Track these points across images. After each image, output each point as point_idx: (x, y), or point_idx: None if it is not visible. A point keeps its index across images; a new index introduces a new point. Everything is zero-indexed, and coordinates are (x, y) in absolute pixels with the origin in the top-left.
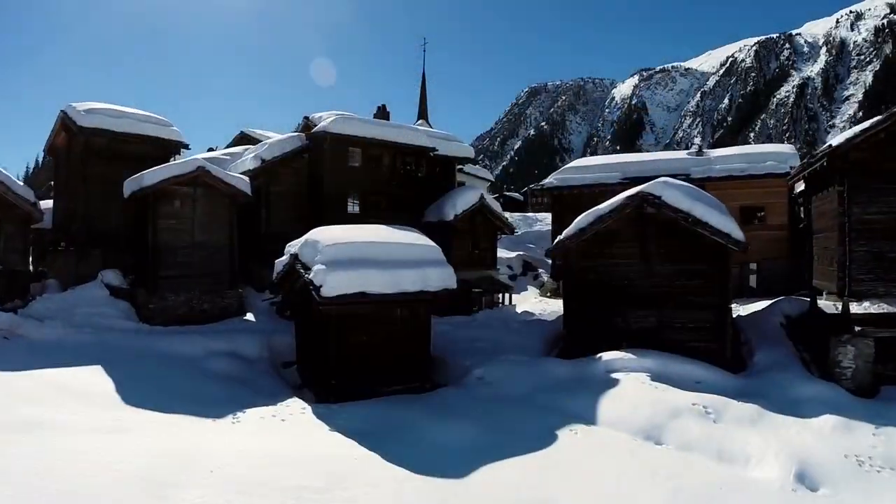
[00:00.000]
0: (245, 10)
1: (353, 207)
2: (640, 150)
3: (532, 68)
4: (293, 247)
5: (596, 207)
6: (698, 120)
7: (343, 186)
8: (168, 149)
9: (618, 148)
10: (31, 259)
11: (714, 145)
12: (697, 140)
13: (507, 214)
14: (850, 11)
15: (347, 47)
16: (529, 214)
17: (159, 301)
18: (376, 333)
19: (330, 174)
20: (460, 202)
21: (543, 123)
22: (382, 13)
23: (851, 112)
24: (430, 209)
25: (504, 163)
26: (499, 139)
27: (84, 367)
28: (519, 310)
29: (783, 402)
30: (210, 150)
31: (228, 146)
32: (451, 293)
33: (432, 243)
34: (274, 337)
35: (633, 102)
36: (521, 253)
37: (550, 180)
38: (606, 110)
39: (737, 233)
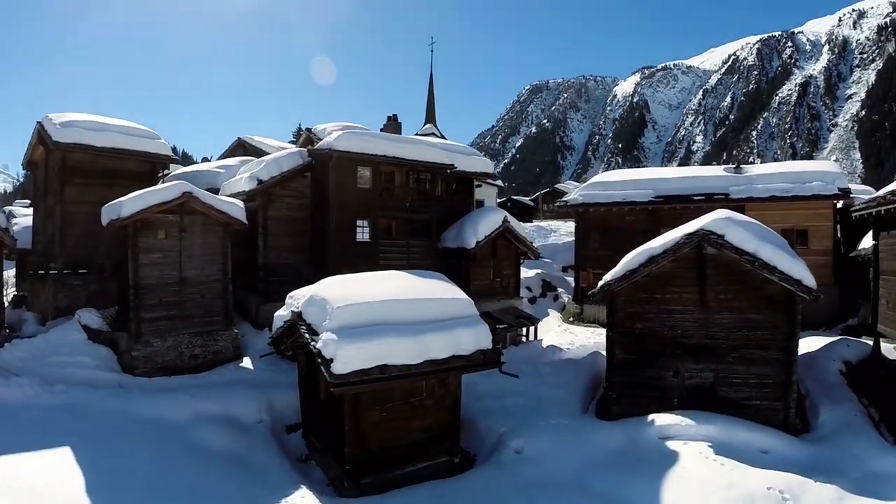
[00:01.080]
0: (244, 12)
1: (362, 234)
2: (641, 148)
3: (534, 66)
4: (295, 301)
5: (649, 246)
6: (700, 118)
7: (351, 210)
8: (155, 164)
9: (619, 146)
10: (6, 286)
11: (716, 143)
12: (699, 139)
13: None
14: (853, 10)
15: (348, 47)
16: (543, 224)
17: (143, 347)
18: (399, 409)
19: (336, 197)
20: (482, 226)
21: (545, 121)
22: (383, 10)
23: (854, 111)
24: (448, 233)
25: (505, 160)
26: (500, 136)
27: (49, 449)
28: (544, 342)
29: (862, 479)
30: (205, 160)
31: (224, 154)
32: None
33: (462, 294)
34: (275, 393)
35: (635, 100)
36: (539, 271)
37: (575, 196)
38: (608, 108)
39: (808, 279)
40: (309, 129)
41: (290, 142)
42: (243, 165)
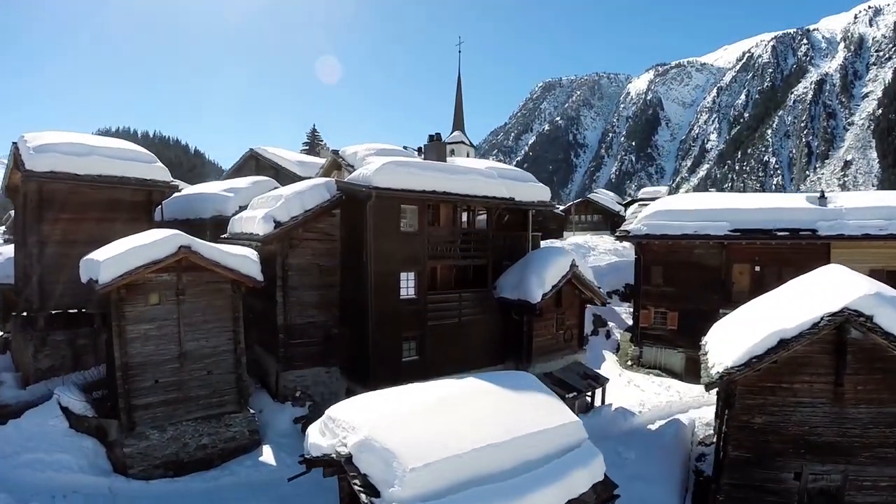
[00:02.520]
0: (254, 11)
1: (407, 289)
2: (654, 146)
3: (547, 63)
4: (341, 432)
5: (780, 328)
6: (714, 116)
7: (394, 261)
8: (152, 192)
9: (633, 144)
10: None
11: (731, 142)
12: (714, 137)
13: (549, 241)
14: (869, 7)
15: (360, 46)
16: (579, 240)
17: (137, 441)
18: None
19: (376, 245)
20: (549, 274)
21: (558, 118)
22: (394, 7)
23: (870, 109)
24: (505, 279)
25: (518, 158)
26: (513, 134)
27: None
28: (612, 403)
29: None
30: (216, 176)
31: (235, 168)
32: None
33: (569, 414)
34: None
35: (649, 98)
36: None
37: (638, 226)
38: (621, 105)
39: None
40: (335, 152)
41: (303, 145)
42: (255, 186)
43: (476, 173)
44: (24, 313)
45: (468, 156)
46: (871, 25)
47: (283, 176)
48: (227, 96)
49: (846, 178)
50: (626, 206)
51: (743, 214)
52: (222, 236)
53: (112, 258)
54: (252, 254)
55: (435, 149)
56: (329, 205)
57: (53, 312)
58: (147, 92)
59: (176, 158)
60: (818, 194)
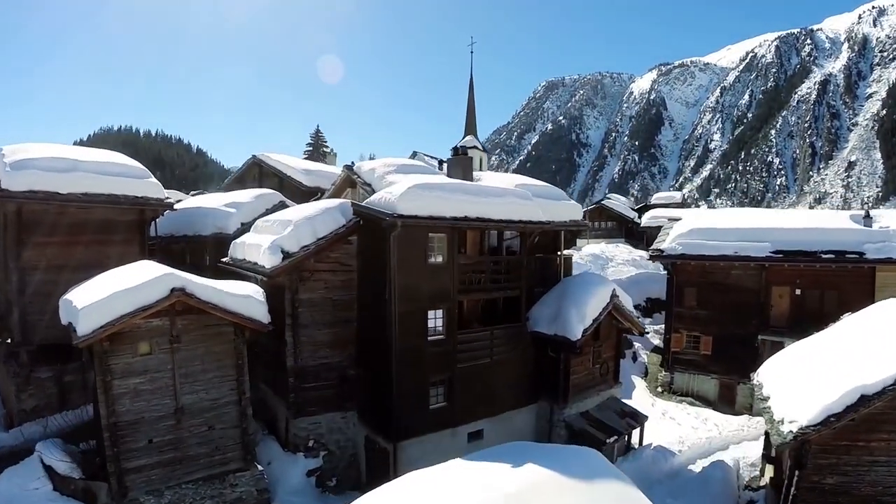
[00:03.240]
0: (257, 12)
1: (434, 329)
2: (658, 146)
3: (549, 62)
4: None
5: (860, 383)
6: (718, 116)
7: (420, 298)
8: (144, 210)
9: (636, 143)
10: None
11: (734, 142)
12: (717, 137)
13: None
14: (873, 7)
15: (365, 46)
16: (596, 251)
17: None
18: None
19: (401, 280)
20: (589, 307)
21: (561, 118)
22: (397, 5)
23: (875, 110)
24: (538, 311)
25: (521, 157)
26: (515, 133)
27: None
28: (651, 444)
29: None
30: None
31: (238, 176)
32: None
33: None
34: None
35: (652, 97)
36: None
37: (673, 245)
38: (624, 105)
39: None
40: (349, 167)
41: (306, 146)
42: (258, 200)
43: (511, 195)
44: (8, 340)
45: (481, 162)
46: (874, 26)
47: (287, 186)
48: (229, 95)
49: (850, 179)
50: (640, 211)
51: (785, 235)
52: (223, 260)
53: (92, 305)
54: (257, 292)
55: (460, 164)
56: (344, 231)
57: (38, 346)
58: (149, 90)
59: (178, 157)
60: (863, 213)
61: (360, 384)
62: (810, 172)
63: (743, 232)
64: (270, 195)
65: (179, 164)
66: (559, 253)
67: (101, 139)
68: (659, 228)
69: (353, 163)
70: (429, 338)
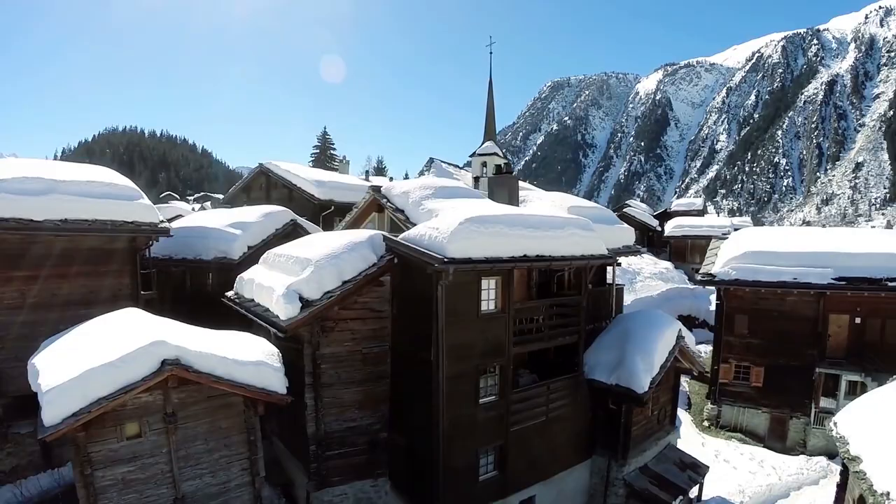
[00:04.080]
0: (264, 13)
1: (486, 389)
2: (664, 146)
3: (555, 62)
4: None
5: None
6: (724, 116)
7: (472, 355)
8: (134, 239)
9: (642, 144)
10: None
11: (741, 143)
12: (723, 137)
13: None
14: (880, 7)
15: (370, 45)
16: (623, 263)
17: None
18: None
19: (449, 336)
20: (656, 353)
21: (566, 118)
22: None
23: (882, 111)
24: (596, 356)
25: (526, 157)
26: (521, 133)
27: None
28: (711, 499)
29: None
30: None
31: (244, 186)
32: None
33: None
34: None
35: (658, 98)
36: None
37: (725, 270)
38: (630, 105)
39: None
40: (377, 189)
41: (313, 149)
42: (267, 220)
43: (573, 226)
44: None
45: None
46: (881, 26)
47: (297, 198)
48: (235, 96)
49: (857, 181)
50: (659, 218)
51: (848, 260)
52: (228, 295)
53: (60, 388)
54: (271, 355)
55: (506, 185)
56: (376, 272)
57: (16, 397)
58: (154, 91)
59: (183, 158)
60: None
61: (394, 448)
62: (817, 173)
63: (801, 256)
64: (280, 214)
65: (184, 165)
66: (611, 283)
67: (106, 139)
68: (684, 239)
69: (370, 170)
70: (480, 401)
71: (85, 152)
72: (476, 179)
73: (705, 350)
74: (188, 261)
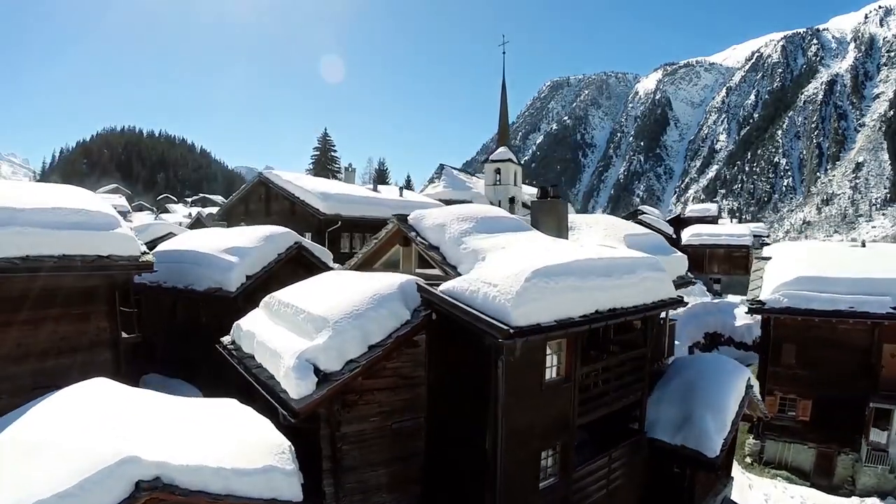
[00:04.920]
0: (263, 12)
1: (546, 471)
2: (664, 146)
3: (554, 62)
4: None
5: None
6: (724, 116)
7: (532, 435)
8: (113, 276)
9: (641, 144)
10: None
11: (740, 142)
12: (723, 137)
13: None
14: (879, 6)
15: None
16: None
17: None
18: None
19: (509, 419)
20: (728, 410)
21: (566, 118)
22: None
23: (882, 111)
24: (657, 411)
25: (526, 157)
26: (520, 133)
27: None
28: None
29: None
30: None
31: (242, 196)
32: None
33: None
34: None
35: (657, 97)
36: None
37: (776, 297)
38: (630, 105)
39: None
40: (402, 219)
41: (314, 150)
42: (267, 244)
43: (644, 267)
44: None
45: (516, 175)
46: (881, 25)
47: (299, 212)
48: (236, 95)
49: (857, 181)
50: (672, 224)
51: None
52: (223, 342)
53: None
54: (281, 455)
55: (553, 213)
56: (410, 331)
57: None
58: (153, 90)
59: (182, 158)
60: None
61: None
62: (817, 173)
63: (857, 283)
64: (282, 236)
65: (183, 165)
66: (664, 319)
67: (105, 139)
68: (702, 248)
69: (371, 173)
70: (540, 485)
71: (83, 152)
72: (490, 187)
73: None
74: (179, 290)
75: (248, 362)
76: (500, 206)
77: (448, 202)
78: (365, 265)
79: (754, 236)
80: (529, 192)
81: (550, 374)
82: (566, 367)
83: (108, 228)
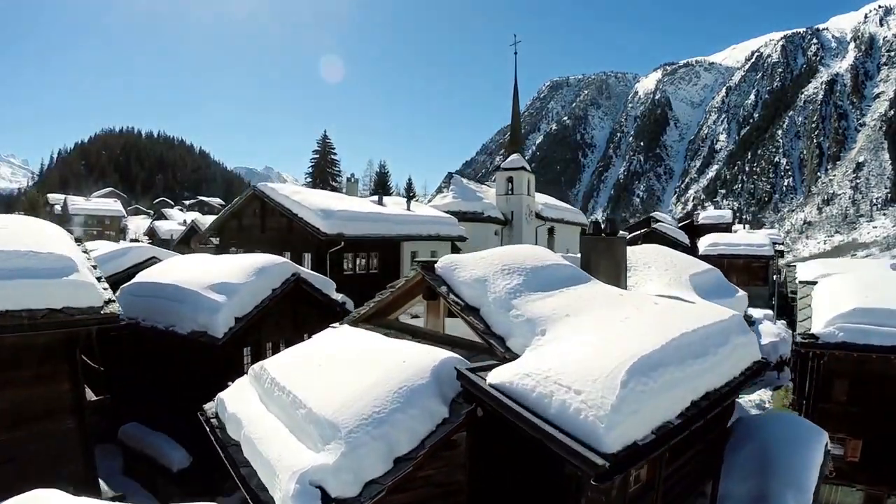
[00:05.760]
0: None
1: None
2: (664, 146)
3: (553, 62)
4: None
5: None
6: (723, 116)
7: None
8: (75, 331)
9: (641, 144)
10: None
11: (740, 142)
12: (723, 137)
13: None
14: (879, 6)
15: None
16: None
17: None
18: None
19: None
20: (810, 487)
21: (565, 118)
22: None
23: (882, 110)
24: (724, 485)
25: (526, 157)
26: (520, 133)
27: None
28: None
29: None
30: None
31: (236, 210)
32: None
33: None
34: None
35: (657, 97)
36: None
37: (830, 330)
38: (629, 105)
39: None
40: (428, 268)
41: (313, 153)
42: (259, 279)
43: (735, 332)
44: None
45: (529, 184)
46: (881, 25)
47: (298, 230)
48: (236, 95)
49: (858, 181)
50: (685, 230)
51: None
52: (207, 415)
53: None
54: None
55: (612, 253)
56: (448, 433)
57: None
58: (152, 91)
59: (181, 159)
60: None
61: None
62: (818, 173)
63: None
64: (277, 268)
65: (182, 167)
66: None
67: (103, 141)
68: (720, 258)
69: (371, 176)
70: None
71: (81, 154)
72: (501, 197)
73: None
74: (159, 331)
75: (234, 454)
76: (512, 217)
77: (457, 214)
78: (377, 316)
79: (774, 243)
80: (542, 200)
81: (632, 483)
82: (649, 473)
83: (61, 275)
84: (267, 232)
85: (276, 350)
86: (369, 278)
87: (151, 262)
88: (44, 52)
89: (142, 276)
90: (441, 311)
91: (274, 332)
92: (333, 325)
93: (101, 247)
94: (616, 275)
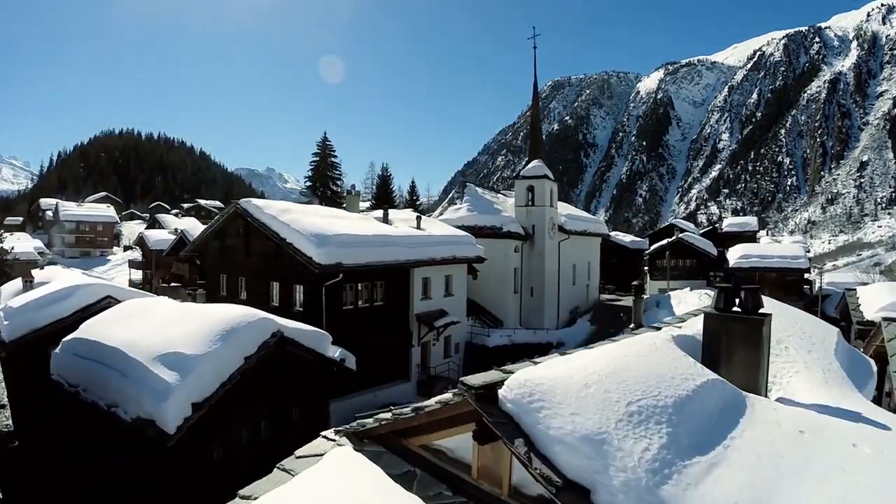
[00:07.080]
0: (263, 16)
1: None
2: (666, 146)
3: (555, 61)
4: None
5: None
6: (726, 115)
7: None
8: None
9: (643, 143)
10: None
11: (743, 141)
12: (726, 136)
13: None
14: (881, 4)
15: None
16: (675, 308)
17: None
18: None
19: None
20: None
21: (567, 118)
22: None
23: (886, 109)
24: None
25: (526, 157)
26: (522, 133)
27: None
28: None
29: None
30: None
31: (216, 227)
32: None
33: None
34: None
35: (659, 97)
36: None
37: None
38: (631, 105)
39: None
40: (480, 395)
41: (312, 156)
42: (229, 344)
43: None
44: None
45: (552, 193)
46: (884, 23)
47: (287, 256)
48: (236, 96)
49: (862, 180)
50: (708, 237)
51: None
52: None
53: None
54: None
55: (756, 342)
56: None
57: None
58: (152, 92)
59: (181, 161)
60: None
61: None
62: (821, 172)
63: None
64: (251, 328)
65: (181, 168)
66: None
67: (102, 142)
68: (751, 271)
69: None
70: None
71: (80, 156)
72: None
73: None
74: (100, 410)
75: None
76: (533, 231)
77: (473, 229)
78: (388, 438)
79: (805, 250)
80: (563, 210)
81: None
82: None
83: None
84: (252, 256)
85: (255, 438)
86: (373, 312)
87: (105, 303)
88: (46, 54)
89: (87, 328)
90: (507, 463)
91: (251, 411)
92: (326, 433)
93: (57, 277)
94: (755, 369)
